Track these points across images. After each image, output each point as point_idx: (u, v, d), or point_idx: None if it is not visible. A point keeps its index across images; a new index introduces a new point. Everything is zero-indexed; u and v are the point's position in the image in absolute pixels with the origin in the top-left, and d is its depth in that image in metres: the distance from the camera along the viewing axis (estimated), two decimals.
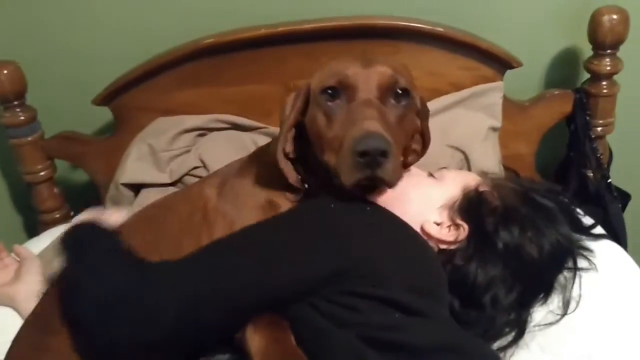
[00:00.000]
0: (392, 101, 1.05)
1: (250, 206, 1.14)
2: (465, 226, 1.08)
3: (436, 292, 0.99)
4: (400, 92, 1.05)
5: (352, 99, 1.03)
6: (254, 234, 0.98)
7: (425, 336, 0.88)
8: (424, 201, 1.11)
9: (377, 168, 0.94)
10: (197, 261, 0.95)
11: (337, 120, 1.03)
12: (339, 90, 1.04)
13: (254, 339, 0.89)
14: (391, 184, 0.99)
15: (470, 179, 1.15)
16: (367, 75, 1.03)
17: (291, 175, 1.11)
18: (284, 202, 1.13)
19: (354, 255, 0.92)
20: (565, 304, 1.12)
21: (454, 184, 1.14)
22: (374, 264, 0.92)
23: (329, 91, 1.05)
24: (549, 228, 1.09)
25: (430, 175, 1.18)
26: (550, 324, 1.11)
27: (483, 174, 1.21)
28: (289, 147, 1.12)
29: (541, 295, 1.12)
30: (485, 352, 0.94)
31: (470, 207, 1.10)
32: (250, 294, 0.91)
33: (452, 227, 1.09)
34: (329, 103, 1.05)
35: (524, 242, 1.07)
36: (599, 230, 1.32)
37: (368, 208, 1.03)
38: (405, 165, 1.19)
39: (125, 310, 0.90)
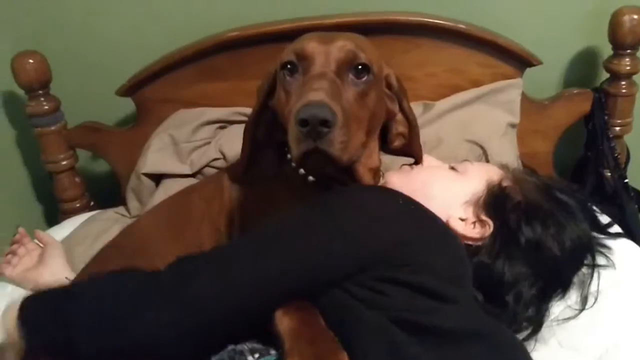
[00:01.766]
0: (352, 77, 1.01)
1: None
2: (490, 223, 1.08)
3: (464, 281, 0.99)
4: (360, 67, 1.02)
5: (306, 72, 1.01)
6: (291, 222, 0.97)
7: (455, 321, 0.88)
8: (448, 196, 1.10)
9: (319, 139, 0.91)
10: (238, 250, 0.94)
11: (292, 94, 1.01)
12: (297, 64, 1.02)
13: (284, 321, 0.88)
14: (339, 160, 0.94)
15: (493, 173, 1.14)
16: (325, 50, 1.01)
17: (242, 157, 1.12)
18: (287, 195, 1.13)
19: (388, 244, 0.90)
20: (583, 300, 1.12)
21: (477, 178, 1.12)
22: (407, 252, 0.91)
23: (288, 66, 1.03)
24: (569, 224, 1.09)
25: (452, 168, 1.16)
26: (569, 318, 1.11)
27: (504, 167, 1.18)
28: (260, 132, 1.12)
29: (559, 291, 1.12)
30: (513, 342, 0.93)
31: (495, 203, 1.09)
32: (289, 281, 0.89)
33: (477, 224, 1.08)
34: (288, 78, 1.03)
35: (546, 238, 1.06)
36: (615, 228, 1.31)
37: (400, 199, 1.00)
38: (394, 151, 1.19)
39: (164, 303, 0.88)
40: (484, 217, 1.08)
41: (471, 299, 0.99)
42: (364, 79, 1.02)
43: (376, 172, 1.18)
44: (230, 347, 0.93)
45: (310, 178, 1.11)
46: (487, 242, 1.07)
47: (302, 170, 1.11)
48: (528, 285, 1.06)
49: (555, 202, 1.11)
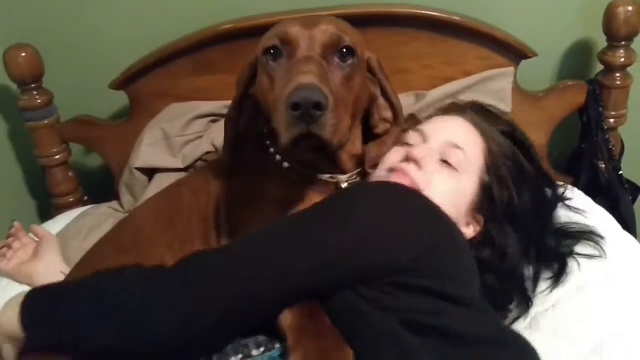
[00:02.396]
0: (337, 60, 1.01)
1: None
2: (482, 219, 1.12)
3: (475, 284, 0.99)
4: (345, 50, 1.02)
5: (292, 57, 1.00)
6: (302, 220, 0.96)
7: (467, 325, 0.87)
8: (451, 204, 1.06)
9: (312, 123, 0.90)
10: (251, 245, 0.93)
11: (278, 79, 1.00)
12: (281, 49, 1.01)
13: (288, 317, 0.88)
14: (330, 144, 0.94)
15: (482, 158, 1.13)
16: (310, 34, 1.00)
17: (225, 149, 1.12)
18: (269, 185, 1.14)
19: (404, 252, 0.89)
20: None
21: (473, 175, 1.12)
22: (421, 258, 0.89)
23: (271, 51, 1.02)
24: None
25: (445, 162, 1.11)
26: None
27: (484, 133, 1.16)
28: (242, 122, 1.13)
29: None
30: (525, 348, 0.92)
31: (485, 202, 1.12)
32: (294, 280, 0.88)
33: (474, 223, 1.12)
34: (271, 63, 1.02)
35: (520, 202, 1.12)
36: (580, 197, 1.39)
37: (415, 199, 0.99)
38: (381, 137, 1.18)
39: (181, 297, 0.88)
40: (478, 217, 1.12)
41: (483, 302, 0.99)
42: (349, 62, 1.02)
43: (358, 159, 1.17)
44: (238, 340, 0.92)
45: (286, 164, 1.12)
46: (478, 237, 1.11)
47: (279, 157, 1.12)
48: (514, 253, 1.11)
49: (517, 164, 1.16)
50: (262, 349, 0.90)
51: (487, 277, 1.07)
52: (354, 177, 1.16)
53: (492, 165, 1.13)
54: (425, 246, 0.91)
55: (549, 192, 1.23)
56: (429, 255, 0.90)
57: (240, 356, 0.90)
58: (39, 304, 0.93)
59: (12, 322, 0.90)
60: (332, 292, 0.90)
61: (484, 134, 1.16)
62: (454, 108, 1.26)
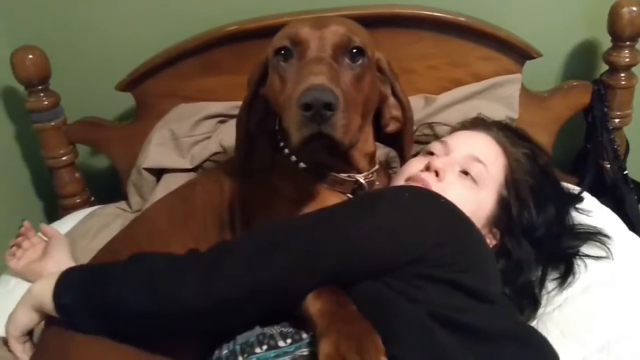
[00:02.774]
0: (347, 60, 1.02)
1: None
2: (498, 232, 1.15)
3: (497, 283, 1.01)
4: (355, 51, 1.02)
5: (302, 57, 1.00)
6: (335, 211, 0.97)
7: (492, 321, 0.89)
8: (468, 215, 1.04)
9: (323, 123, 0.91)
10: (278, 231, 0.95)
11: (289, 80, 1.01)
12: (291, 49, 1.02)
13: (316, 304, 0.89)
14: (341, 143, 0.94)
15: (503, 175, 1.17)
16: (320, 34, 1.01)
17: (238, 150, 1.12)
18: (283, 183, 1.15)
19: (430, 244, 0.90)
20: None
21: (492, 191, 1.15)
22: (448, 253, 0.91)
23: (282, 52, 1.02)
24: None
25: (465, 173, 1.15)
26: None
27: (500, 138, 1.21)
28: (253, 122, 1.13)
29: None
30: (546, 346, 0.94)
31: (503, 217, 1.15)
32: (324, 265, 0.90)
33: (490, 236, 1.15)
34: (282, 64, 1.03)
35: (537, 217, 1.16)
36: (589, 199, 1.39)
37: (441, 199, 1.00)
38: (387, 138, 1.20)
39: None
40: (494, 230, 1.15)
41: (506, 300, 1.01)
42: (359, 62, 1.03)
43: (372, 158, 1.19)
44: (258, 329, 0.93)
45: (302, 165, 1.13)
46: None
47: (294, 158, 1.13)
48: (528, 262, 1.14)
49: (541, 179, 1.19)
50: (289, 341, 0.91)
51: (503, 288, 1.08)
52: (371, 175, 1.17)
53: (512, 183, 1.16)
54: (449, 238, 0.92)
55: (566, 209, 1.25)
56: (452, 248, 0.92)
57: (265, 347, 0.91)
58: (76, 272, 0.99)
59: (45, 290, 0.95)
60: (359, 279, 0.92)
61: (507, 152, 1.19)
62: (480, 123, 1.29)
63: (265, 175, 1.17)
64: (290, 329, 0.93)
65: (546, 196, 1.17)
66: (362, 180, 1.14)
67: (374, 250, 0.91)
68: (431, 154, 1.21)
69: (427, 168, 1.15)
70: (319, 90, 0.90)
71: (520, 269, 1.13)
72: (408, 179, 1.15)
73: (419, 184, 1.12)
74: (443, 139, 1.25)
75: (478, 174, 1.14)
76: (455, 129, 1.32)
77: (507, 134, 1.24)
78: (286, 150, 1.15)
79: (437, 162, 1.15)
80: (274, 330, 0.93)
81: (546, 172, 1.20)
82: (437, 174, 1.13)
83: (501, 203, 1.15)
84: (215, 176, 1.26)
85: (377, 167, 1.20)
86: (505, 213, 1.15)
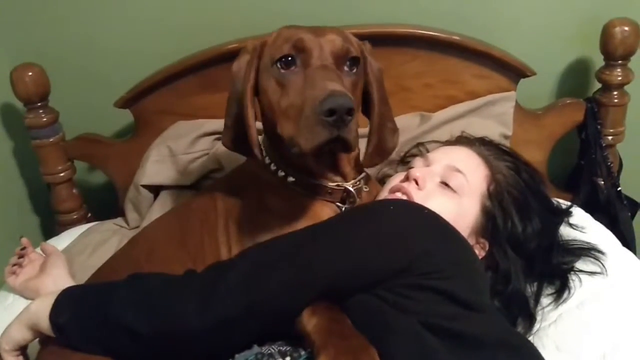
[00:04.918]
0: (346, 69, 1.06)
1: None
2: (486, 243, 1.16)
3: (486, 292, 1.02)
4: (352, 60, 1.07)
5: (307, 65, 1.03)
6: (324, 227, 1.00)
7: (483, 329, 0.90)
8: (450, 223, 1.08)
9: (343, 127, 0.94)
10: (272, 251, 0.97)
11: (292, 87, 1.02)
12: (294, 56, 1.04)
13: (312, 320, 0.90)
14: (352, 148, 0.99)
15: (485, 184, 1.18)
16: (321, 42, 1.04)
17: (254, 144, 1.10)
18: (274, 199, 1.16)
19: (417, 254, 0.93)
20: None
21: (474, 200, 1.16)
22: (434, 261, 0.93)
23: (283, 59, 1.04)
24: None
25: (444, 184, 1.17)
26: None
27: (481, 153, 1.23)
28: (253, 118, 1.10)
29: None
30: (536, 354, 0.95)
31: (488, 227, 1.16)
32: (318, 282, 0.92)
33: (477, 246, 1.16)
34: (283, 71, 1.04)
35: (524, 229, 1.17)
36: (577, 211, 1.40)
37: (425, 210, 1.03)
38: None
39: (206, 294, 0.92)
40: (481, 240, 1.16)
41: (495, 309, 1.03)
42: (354, 70, 1.08)
43: (356, 162, 1.21)
44: (256, 349, 0.94)
45: (291, 179, 1.15)
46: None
47: (281, 173, 1.15)
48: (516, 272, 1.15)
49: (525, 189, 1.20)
50: (288, 359, 0.91)
51: (492, 300, 1.09)
52: (358, 182, 1.19)
53: (494, 193, 1.17)
54: (435, 247, 0.95)
55: (554, 222, 1.26)
56: (438, 256, 0.94)
57: None
58: (74, 292, 1.01)
59: (42, 309, 0.97)
60: (352, 293, 0.94)
61: (488, 163, 1.21)
62: (462, 140, 1.33)
63: (255, 192, 1.19)
64: (288, 347, 0.93)
65: (530, 208, 1.18)
66: (350, 188, 1.17)
67: (364, 263, 0.93)
68: (412, 168, 1.23)
69: (407, 178, 1.19)
70: (342, 97, 0.93)
71: (507, 280, 1.14)
72: (390, 190, 1.18)
73: (400, 193, 1.15)
74: (425, 154, 1.28)
75: (458, 184, 1.16)
76: (438, 146, 1.35)
77: (490, 148, 1.27)
78: (273, 166, 1.17)
79: (417, 172, 1.18)
80: (273, 349, 0.93)
81: (530, 185, 1.21)
82: (416, 182, 1.16)
83: (485, 213, 1.16)
84: (210, 194, 1.27)
85: (364, 174, 1.22)
86: (490, 222, 1.16)
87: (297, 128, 0.97)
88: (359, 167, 1.22)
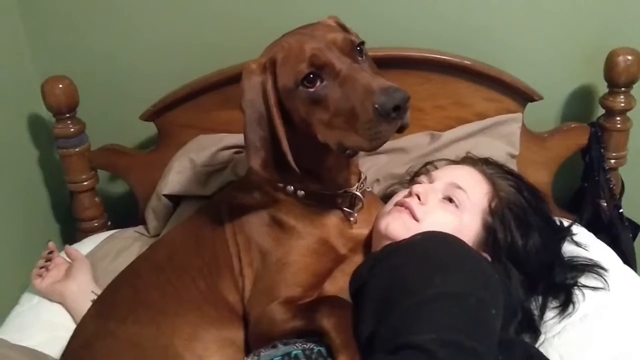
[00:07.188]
0: (359, 58, 1.06)
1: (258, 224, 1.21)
2: (488, 257, 1.19)
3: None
4: (359, 46, 1.07)
5: (335, 75, 1.01)
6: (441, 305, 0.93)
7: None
8: None
9: (404, 114, 0.97)
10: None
11: (331, 101, 1.01)
12: (316, 72, 1.02)
13: (331, 319, 0.96)
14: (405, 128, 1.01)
15: (486, 200, 1.21)
16: (330, 47, 1.03)
17: (292, 160, 1.08)
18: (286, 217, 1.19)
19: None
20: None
21: (475, 215, 1.20)
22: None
23: (306, 80, 1.02)
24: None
25: (448, 199, 1.20)
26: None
27: (485, 173, 1.27)
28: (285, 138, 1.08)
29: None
30: None
31: (489, 241, 1.19)
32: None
33: None
34: (311, 90, 1.02)
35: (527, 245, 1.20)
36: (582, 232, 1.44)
37: (456, 240, 1.05)
38: None
39: None
40: (483, 255, 1.18)
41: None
42: (363, 57, 1.09)
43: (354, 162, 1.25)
44: (282, 348, 0.98)
45: (301, 192, 1.17)
46: None
47: (291, 188, 1.17)
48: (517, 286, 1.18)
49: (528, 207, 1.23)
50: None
51: None
52: (362, 185, 1.23)
53: (495, 209, 1.20)
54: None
55: (555, 239, 1.29)
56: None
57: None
58: None
59: None
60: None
61: (491, 180, 1.24)
62: (466, 160, 1.37)
63: (264, 210, 1.21)
64: (312, 345, 0.97)
65: (531, 224, 1.21)
66: (357, 193, 1.21)
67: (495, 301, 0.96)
68: (417, 184, 1.27)
69: (410, 194, 1.22)
70: (395, 90, 0.94)
71: (508, 294, 1.14)
72: (395, 204, 1.21)
73: (402, 208, 1.18)
74: (430, 172, 1.32)
75: (459, 200, 1.19)
76: (443, 166, 1.39)
77: (493, 167, 1.31)
78: (280, 185, 1.19)
79: (419, 188, 1.21)
80: (297, 348, 0.97)
81: (531, 203, 1.24)
82: (418, 198, 1.20)
83: (486, 228, 1.19)
84: (218, 206, 1.30)
85: (364, 177, 1.26)
86: (491, 237, 1.19)
87: (352, 134, 0.99)
88: (357, 169, 1.26)
